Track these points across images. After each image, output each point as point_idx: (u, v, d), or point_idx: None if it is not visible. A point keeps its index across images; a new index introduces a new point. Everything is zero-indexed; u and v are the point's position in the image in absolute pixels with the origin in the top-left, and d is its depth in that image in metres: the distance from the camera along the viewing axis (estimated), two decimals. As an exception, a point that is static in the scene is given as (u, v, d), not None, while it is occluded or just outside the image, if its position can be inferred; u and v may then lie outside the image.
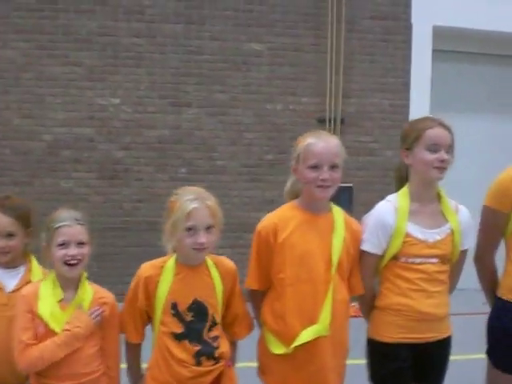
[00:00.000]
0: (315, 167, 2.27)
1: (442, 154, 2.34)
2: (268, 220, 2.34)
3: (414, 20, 5.99)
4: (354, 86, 5.94)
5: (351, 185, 5.89)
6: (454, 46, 6.25)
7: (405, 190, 2.45)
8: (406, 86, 6.00)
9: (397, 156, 6.07)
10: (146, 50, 5.69)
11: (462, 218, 2.44)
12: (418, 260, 2.35)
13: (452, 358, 2.50)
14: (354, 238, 2.36)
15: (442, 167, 2.35)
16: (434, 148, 2.35)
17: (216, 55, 5.75)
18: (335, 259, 2.26)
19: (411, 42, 5.98)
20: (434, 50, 6.01)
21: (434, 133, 2.36)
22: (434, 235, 2.38)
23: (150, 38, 5.68)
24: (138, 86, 5.70)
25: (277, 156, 5.83)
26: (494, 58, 6.43)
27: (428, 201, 2.41)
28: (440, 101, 6.14)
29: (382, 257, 2.40)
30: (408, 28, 5.99)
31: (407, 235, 2.35)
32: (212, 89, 5.76)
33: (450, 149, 2.37)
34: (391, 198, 2.46)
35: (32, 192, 5.45)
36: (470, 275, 2.62)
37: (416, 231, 2.36)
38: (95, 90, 5.66)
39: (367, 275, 2.42)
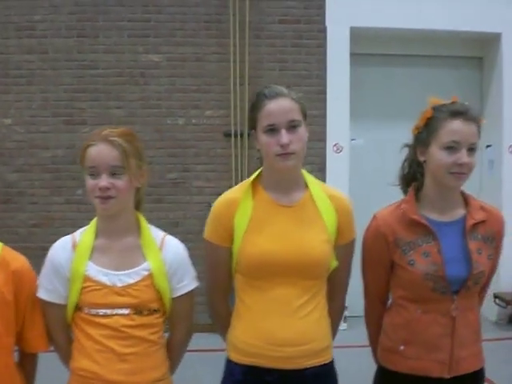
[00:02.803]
0: None
1: (101, 180, 1.86)
2: None
3: (328, 22, 5.48)
4: (263, 96, 5.46)
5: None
6: (374, 48, 5.70)
7: (93, 222, 2.00)
8: (323, 94, 5.49)
9: (315, 171, 5.64)
10: (38, 66, 5.39)
11: (169, 254, 1.94)
12: (103, 311, 1.86)
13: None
14: (15, 281, 1.87)
15: (103, 196, 1.86)
16: (93, 172, 1.87)
17: (111, 69, 5.40)
18: None
19: (326, 46, 5.48)
20: (351, 54, 5.48)
21: (91, 154, 1.87)
22: (125, 278, 1.89)
23: (41, 54, 5.38)
24: (30, 104, 5.40)
25: (181, 174, 5.40)
26: (420, 59, 5.85)
27: (118, 235, 1.95)
28: (361, 108, 5.61)
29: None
30: (322, 31, 5.49)
31: (87, 279, 1.88)
32: (108, 104, 5.41)
33: (116, 170, 1.86)
34: (78, 232, 2.01)
35: None
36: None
37: (99, 273, 1.88)
38: (-14, 111, 5.41)
39: (54, 329, 1.95)
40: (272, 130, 1.91)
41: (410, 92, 5.73)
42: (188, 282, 1.99)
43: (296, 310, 1.93)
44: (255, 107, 1.96)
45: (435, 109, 2.04)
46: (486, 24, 5.66)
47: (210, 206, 2.07)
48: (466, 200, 2.10)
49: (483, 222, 2.06)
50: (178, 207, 5.45)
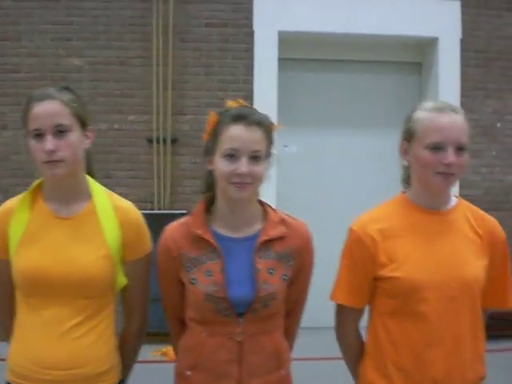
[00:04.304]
0: None
1: None
2: None
3: (256, 26, 5.36)
4: (187, 101, 5.35)
5: (186, 212, 5.29)
6: (303, 53, 5.56)
7: None
8: (249, 99, 5.35)
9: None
10: (-40, 70, 5.31)
11: None
12: None
13: None
14: None
15: None
16: None
17: (33, 72, 5.28)
18: None
19: (253, 51, 5.36)
20: (280, 59, 5.35)
21: None
22: None
23: (-38, 57, 5.30)
24: (-48, 108, 5.31)
25: (102, 180, 5.16)
26: (356, 65, 5.70)
27: None
28: (289, 115, 5.44)
29: None
30: (250, 35, 5.37)
31: None
32: (29, 109, 5.29)
33: None
34: None
35: None
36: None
37: None
38: None
39: None
40: (38, 135, 1.80)
41: (346, 98, 5.61)
42: None
43: (67, 332, 1.82)
44: (24, 110, 1.85)
45: (220, 113, 1.90)
46: (423, 28, 5.54)
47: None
48: (265, 213, 1.96)
49: (281, 238, 1.91)
50: (100, 214, 5.32)
